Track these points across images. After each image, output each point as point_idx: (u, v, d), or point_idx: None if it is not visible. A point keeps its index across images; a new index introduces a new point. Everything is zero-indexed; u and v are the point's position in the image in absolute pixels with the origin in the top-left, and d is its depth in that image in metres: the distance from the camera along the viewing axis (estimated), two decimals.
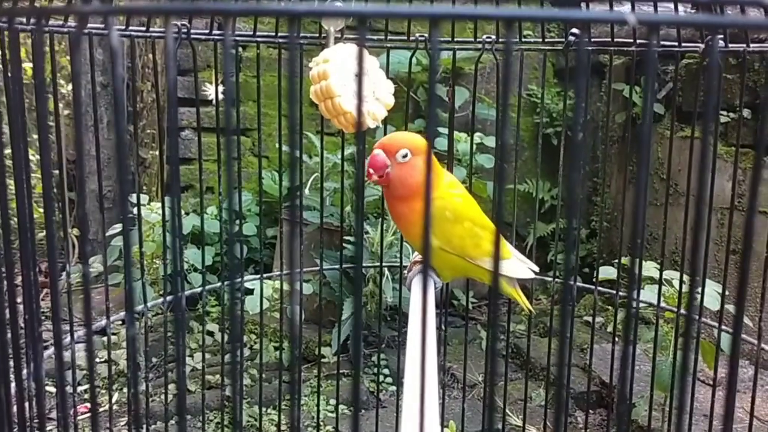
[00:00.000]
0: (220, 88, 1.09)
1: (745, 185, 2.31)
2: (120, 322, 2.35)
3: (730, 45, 0.95)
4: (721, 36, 0.90)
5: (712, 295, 1.67)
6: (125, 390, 2.24)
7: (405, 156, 0.83)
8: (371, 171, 0.84)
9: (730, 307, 1.49)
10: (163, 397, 2.14)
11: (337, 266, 2.32)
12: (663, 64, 2.68)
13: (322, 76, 0.81)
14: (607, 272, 1.88)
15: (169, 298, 1.42)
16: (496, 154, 2.66)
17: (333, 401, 2.12)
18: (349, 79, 0.81)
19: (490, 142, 2.70)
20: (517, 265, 0.95)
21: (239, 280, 1.31)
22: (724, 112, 2.42)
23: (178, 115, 2.89)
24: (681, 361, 0.42)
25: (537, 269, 0.99)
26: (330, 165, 2.58)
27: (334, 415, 2.03)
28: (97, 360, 2.33)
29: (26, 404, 0.74)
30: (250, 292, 2.22)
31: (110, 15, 0.33)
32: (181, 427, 0.42)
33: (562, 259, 3.01)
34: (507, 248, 0.96)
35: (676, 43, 1.01)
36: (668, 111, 2.67)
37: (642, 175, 0.34)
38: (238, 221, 2.84)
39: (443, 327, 2.58)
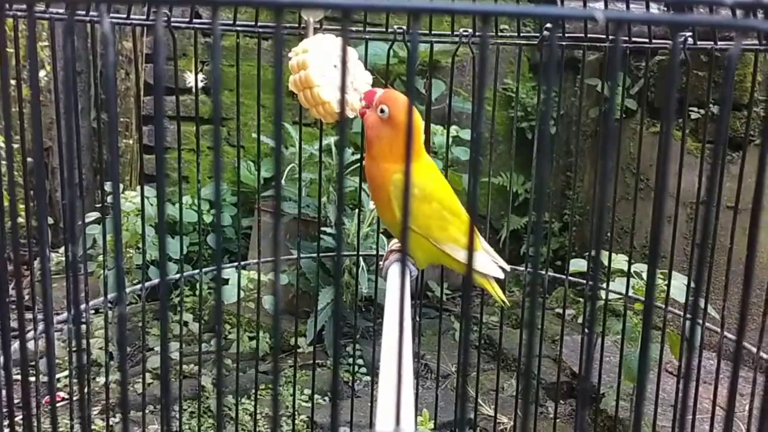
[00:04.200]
0: (200, 76, 1.09)
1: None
2: (93, 312, 2.34)
3: (698, 42, 0.98)
4: (690, 34, 0.92)
5: (679, 287, 1.71)
6: (98, 379, 2.24)
7: (382, 111, 0.84)
8: (362, 103, 0.85)
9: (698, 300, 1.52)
10: (137, 385, 2.14)
11: (314, 255, 2.33)
12: (636, 60, 2.73)
13: (301, 66, 0.82)
14: (578, 264, 1.91)
15: (146, 285, 1.42)
16: (471, 147, 2.69)
17: (308, 391, 2.14)
18: (328, 70, 0.82)
19: (466, 134, 2.72)
20: (487, 261, 0.97)
21: (212, 269, 1.32)
22: (695, 109, 2.47)
23: (157, 103, 2.87)
24: (640, 349, 0.44)
25: (507, 267, 1.01)
26: (307, 156, 2.58)
27: (308, 404, 2.05)
28: (71, 349, 2.32)
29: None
30: (225, 282, 2.22)
31: (101, 3, 0.34)
32: (164, 415, 0.43)
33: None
34: (478, 241, 0.97)
35: (647, 40, 1.03)
36: (641, 106, 2.72)
37: (607, 169, 0.36)
38: (214, 211, 2.84)
39: (417, 318, 2.61)
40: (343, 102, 0.43)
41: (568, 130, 3.18)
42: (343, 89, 0.41)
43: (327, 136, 2.63)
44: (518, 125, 3.24)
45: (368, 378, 2.24)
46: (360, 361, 2.32)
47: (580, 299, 2.70)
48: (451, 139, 2.74)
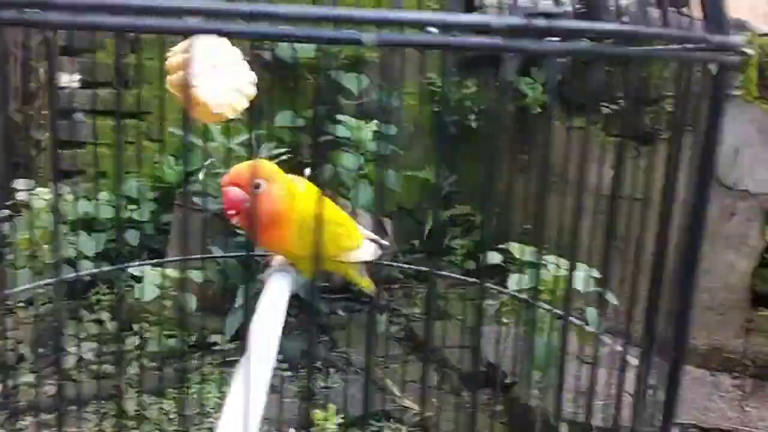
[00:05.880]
0: (77, 75, 1.07)
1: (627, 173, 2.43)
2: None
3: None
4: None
5: (583, 278, 1.77)
6: (8, 382, 2.17)
7: (258, 187, 0.86)
8: (231, 212, 0.86)
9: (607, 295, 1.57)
10: (51, 387, 2.09)
11: (230, 254, 2.32)
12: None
13: (179, 66, 0.82)
14: (492, 258, 1.97)
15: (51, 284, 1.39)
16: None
17: (225, 389, 2.13)
18: (207, 70, 0.82)
19: (389, 129, 2.74)
20: (368, 247, 0.99)
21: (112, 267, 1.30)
22: (606, 104, 2.56)
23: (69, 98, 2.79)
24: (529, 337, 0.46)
25: (387, 243, 1.03)
26: (225, 150, 2.56)
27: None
28: None
29: None
30: (141, 279, 2.18)
31: None
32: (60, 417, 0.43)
33: (457, 244, 3.10)
34: (357, 233, 0.99)
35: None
36: (558, 102, 2.79)
37: (493, 179, 0.38)
38: (133, 207, 2.79)
39: (340, 312, 2.61)
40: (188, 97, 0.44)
41: (489, 124, 3.23)
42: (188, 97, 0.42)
43: (246, 131, 2.62)
44: (442, 120, 3.28)
45: (287, 374, 2.25)
46: (279, 357, 2.32)
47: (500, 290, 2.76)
48: (372, 134, 2.76)
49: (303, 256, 0.89)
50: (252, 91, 0.86)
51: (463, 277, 1.35)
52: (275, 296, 0.81)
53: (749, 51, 1.96)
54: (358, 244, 0.97)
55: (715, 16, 0.42)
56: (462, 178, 3.23)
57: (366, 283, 1.03)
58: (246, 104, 0.85)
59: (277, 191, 0.86)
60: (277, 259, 0.94)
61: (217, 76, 0.81)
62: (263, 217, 0.86)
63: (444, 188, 3.28)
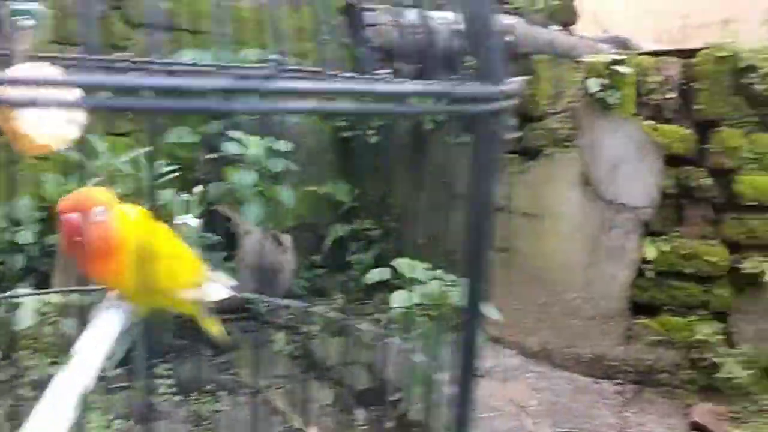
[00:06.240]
0: None
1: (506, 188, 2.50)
2: None
3: None
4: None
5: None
6: None
7: (98, 215, 0.82)
8: (69, 241, 0.81)
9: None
10: None
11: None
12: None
13: None
14: (378, 274, 1.98)
15: None
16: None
17: (109, 417, 2.06)
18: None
19: (282, 145, 2.72)
20: (213, 288, 0.96)
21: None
22: None
23: None
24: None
25: (230, 284, 1.00)
26: (114, 168, 2.48)
27: (109, 431, 1.97)
28: None
29: None
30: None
31: None
32: None
33: (356, 259, 3.10)
34: (199, 269, 0.96)
35: None
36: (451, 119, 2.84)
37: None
38: (14, 229, 2.66)
39: (235, 332, 2.56)
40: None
41: (388, 139, 3.26)
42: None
43: (139, 147, 2.55)
44: (342, 135, 3.30)
45: (179, 398, 2.19)
46: (171, 381, 2.26)
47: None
48: (266, 151, 2.74)
49: (135, 291, 0.85)
50: (85, 120, 0.83)
51: (330, 316, 1.34)
52: (97, 336, 0.78)
53: (624, 70, 2.05)
54: (199, 281, 0.93)
55: (484, 64, 0.43)
56: (363, 193, 3.24)
57: (210, 324, 0.99)
58: (77, 134, 0.82)
59: (111, 221, 0.82)
60: (111, 294, 0.90)
61: (45, 108, 0.78)
62: (96, 248, 0.82)
63: (346, 203, 3.29)
